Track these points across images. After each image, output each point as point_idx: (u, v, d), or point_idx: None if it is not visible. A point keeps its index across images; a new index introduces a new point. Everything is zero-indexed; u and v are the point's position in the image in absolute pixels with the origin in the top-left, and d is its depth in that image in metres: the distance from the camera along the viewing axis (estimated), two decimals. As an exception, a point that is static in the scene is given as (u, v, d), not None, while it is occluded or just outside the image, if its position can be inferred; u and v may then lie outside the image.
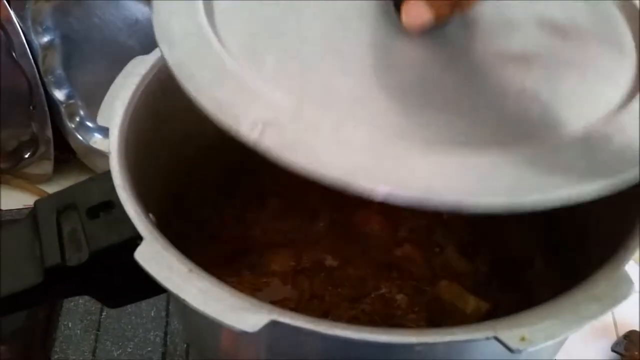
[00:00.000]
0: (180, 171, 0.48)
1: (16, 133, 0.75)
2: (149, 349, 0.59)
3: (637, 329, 0.62)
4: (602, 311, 0.29)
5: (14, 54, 0.69)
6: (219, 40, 0.34)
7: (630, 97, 0.33)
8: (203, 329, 0.40)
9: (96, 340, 0.60)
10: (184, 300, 0.30)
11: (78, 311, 0.62)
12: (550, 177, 0.29)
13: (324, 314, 0.48)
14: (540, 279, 0.51)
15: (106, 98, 0.42)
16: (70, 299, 0.63)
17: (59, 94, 0.73)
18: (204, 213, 0.54)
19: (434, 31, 0.35)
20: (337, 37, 0.35)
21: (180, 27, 0.34)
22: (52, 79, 0.73)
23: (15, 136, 0.75)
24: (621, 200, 0.33)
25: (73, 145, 0.76)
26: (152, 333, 0.60)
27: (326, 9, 0.36)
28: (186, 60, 0.32)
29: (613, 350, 0.61)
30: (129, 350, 0.59)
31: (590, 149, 0.30)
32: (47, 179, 0.78)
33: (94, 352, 0.59)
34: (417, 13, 0.34)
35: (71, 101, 0.74)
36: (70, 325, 0.61)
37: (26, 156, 0.76)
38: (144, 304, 0.61)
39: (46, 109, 0.72)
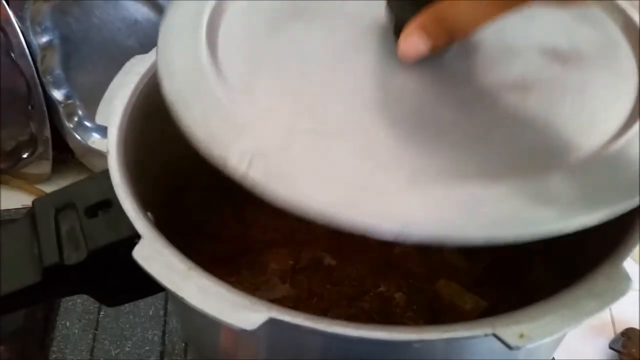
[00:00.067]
0: (178, 170, 0.48)
1: (15, 133, 0.75)
2: (147, 348, 0.59)
3: (635, 327, 0.63)
4: (601, 307, 0.30)
5: (12, 54, 0.69)
6: (218, 74, 0.34)
7: (630, 124, 0.33)
8: (202, 328, 0.40)
9: (94, 340, 0.60)
10: (182, 298, 0.30)
11: (76, 310, 0.62)
12: (541, 209, 0.29)
13: (323, 313, 0.48)
14: (539, 277, 0.51)
15: (105, 97, 0.42)
16: (68, 298, 0.63)
17: (58, 94, 0.73)
18: (203, 212, 0.54)
19: (433, 59, 0.35)
20: (335, 69, 0.36)
21: (182, 62, 0.35)
22: (51, 79, 0.73)
23: (14, 136, 0.75)
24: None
25: (71, 145, 0.76)
26: (150, 332, 0.60)
27: (327, 40, 0.37)
28: (183, 93, 0.34)
29: (611, 348, 0.62)
30: (127, 349, 0.59)
31: (586, 178, 0.30)
32: (45, 179, 0.78)
33: (92, 352, 0.59)
34: (413, 44, 0.34)
35: (70, 101, 0.74)
36: (68, 325, 0.61)
37: (24, 156, 0.76)
38: (142, 303, 0.61)
39: (45, 109, 0.73)
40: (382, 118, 0.33)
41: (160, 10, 0.71)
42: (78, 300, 0.63)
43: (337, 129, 0.32)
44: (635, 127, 0.32)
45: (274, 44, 0.37)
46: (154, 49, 0.44)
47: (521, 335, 0.28)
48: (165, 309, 0.62)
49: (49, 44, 0.71)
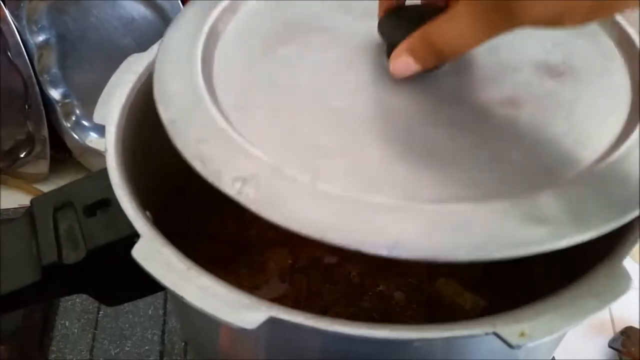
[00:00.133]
0: (177, 169, 0.48)
1: (12, 132, 0.75)
2: (147, 347, 0.59)
3: (634, 325, 0.63)
4: (601, 306, 0.29)
5: (9, 53, 0.69)
6: (213, 98, 0.35)
7: (622, 140, 0.33)
8: (201, 327, 0.40)
9: (93, 339, 0.60)
10: (182, 297, 0.30)
11: (75, 310, 0.62)
12: (530, 228, 0.29)
13: (322, 312, 0.48)
14: (538, 277, 0.51)
15: (102, 96, 0.42)
16: (67, 298, 0.63)
17: (55, 93, 0.73)
18: (202, 211, 0.54)
19: (426, 76, 0.35)
20: (328, 89, 0.36)
21: (177, 87, 0.36)
22: (48, 78, 0.73)
23: (11, 135, 0.75)
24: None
25: (69, 144, 0.76)
26: (149, 331, 0.60)
27: (321, 60, 0.38)
28: (178, 118, 0.34)
29: (610, 347, 0.62)
30: (127, 349, 0.59)
31: (576, 196, 0.30)
32: (43, 178, 0.78)
33: (91, 351, 0.59)
34: (402, 66, 0.34)
35: (67, 100, 0.74)
36: (67, 325, 0.61)
37: (22, 155, 0.76)
38: (141, 302, 0.61)
39: (42, 108, 0.72)
40: (374, 137, 0.34)
41: (156, 9, 0.71)
42: (77, 300, 0.63)
43: (329, 148, 0.33)
44: (627, 143, 0.33)
45: (268, 65, 0.38)
46: (151, 48, 0.44)
47: (522, 334, 0.28)
48: (165, 308, 0.62)
49: (46, 43, 0.71)
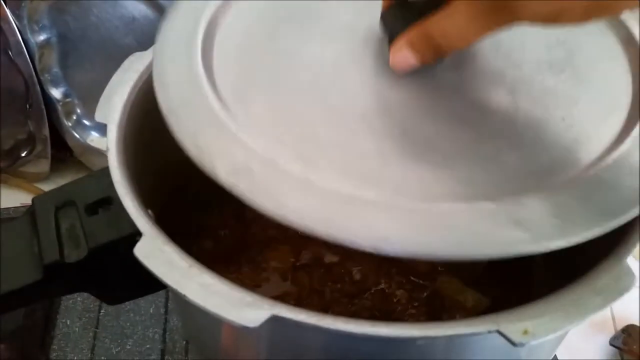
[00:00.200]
0: (178, 167, 0.48)
1: (13, 132, 0.75)
2: (148, 346, 0.59)
3: (635, 323, 0.63)
4: (605, 304, 0.29)
5: (10, 52, 0.69)
6: (212, 86, 0.35)
7: (618, 142, 0.33)
8: (203, 325, 0.40)
9: (95, 338, 0.60)
10: (184, 295, 0.30)
11: (76, 309, 0.62)
12: (515, 230, 0.29)
13: (324, 310, 0.48)
14: (539, 274, 0.51)
15: (104, 95, 0.42)
16: (68, 296, 0.63)
17: (56, 93, 0.73)
18: (203, 209, 0.54)
19: (427, 70, 0.35)
20: (328, 81, 0.36)
21: (176, 74, 0.36)
22: (49, 78, 0.73)
23: (12, 135, 0.75)
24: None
25: (70, 143, 0.76)
26: (151, 330, 0.60)
27: (321, 51, 0.38)
28: (177, 106, 0.35)
29: (611, 345, 0.62)
30: (128, 347, 0.59)
31: (564, 200, 0.30)
32: (44, 178, 0.78)
33: (92, 350, 0.59)
34: (402, 59, 0.35)
35: (68, 99, 0.74)
36: (68, 323, 0.61)
37: (23, 155, 0.76)
38: (142, 301, 0.61)
39: (43, 107, 0.72)
40: (371, 131, 0.34)
41: (157, 8, 0.71)
42: (78, 299, 0.63)
43: (325, 141, 0.33)
44: (622, 147, 0.33)
45: (269, 54, 0.38)
46: (153, 47, 0.44)
47: (525, 332, 0.28)
48: (166, 307, 0.62)
49: (47, 42, 0.71)
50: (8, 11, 0.68)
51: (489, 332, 0.29)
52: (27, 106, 0.72)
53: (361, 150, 0.33)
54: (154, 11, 0.71)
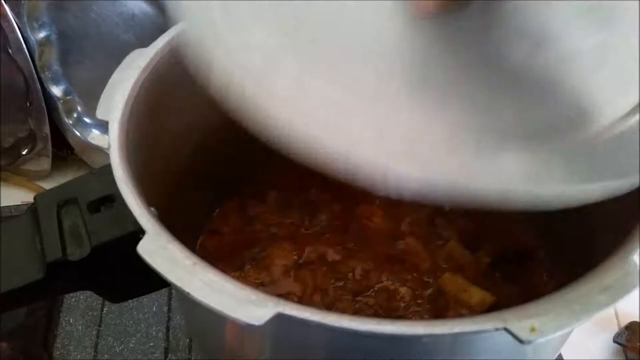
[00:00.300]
0: (180, 165, 0.48)
1: (13, 130, 0.74)
2: (151, 344, 0.59)
3: (639, 320, 0.62)
4: (612, 301, 0.29)
5: (10, 50, 0.69)
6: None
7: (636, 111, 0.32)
8: (207, 323, 0.40)
9: (98, 336, 0.60)
10: (188, 293, 0.30)
11: (79, 307, 0.62)
12: (542, 180, 0.29)
13: (328, 308, 0.48)
14: (543, 271, 0.51)
15: (105, 91, 0.42)
16: (71, 295, 0.62)
17: (56, 90, 0.73)
18: (205, 207, 0.54)
19: (451, 13, 0.34)
20: (348, 20, 0.35)
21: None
22: (49, 75, 0.72)
23: (13, 133, 0.75)
24: (628, 195, 0.32)
25: (71, 141, 0.76)
26: (154, 328, 0.60)
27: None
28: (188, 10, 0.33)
29: (615, 342, 0.61)
30: (131, 345, 0.59)
31: (588, 154, 0.30)
32: (45, 176, 0.78)
33: (95, 348, 0.59)
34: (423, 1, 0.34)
35: (68, 97, 0.74)
36: (71, 321, 0.61)
37: (24, 153, 0.76)
38: (145, 299, 0.61)
39: (43, 105, 0.72)
40: (386, 71, 0.33)
41: (157, 5, 0.70)
42: (81, 297, 0.63)
43: (336, 70, 0.32)
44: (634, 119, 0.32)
45: None
46: (153, 43, 0.44)
47: (532, 329, 0.28)
48: (169, 305, 0.62)
49: (47, 39, 0.71)
50: (8, 9, 0.67)
51: (496, 329, 0.28)
52: (28, 104, 0.72)
53: (375, 88, 0.32)
54: (153, 8, 0.71)
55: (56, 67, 0.73)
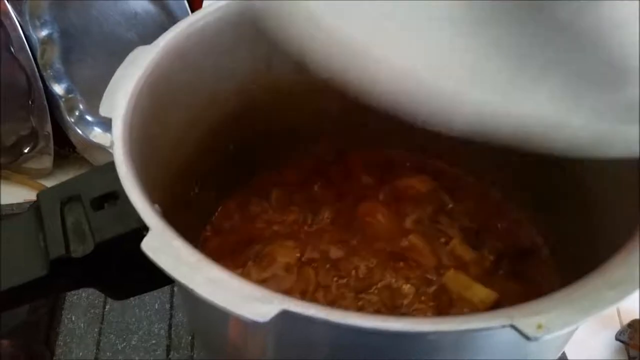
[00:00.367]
0: (183, 162, 0.48)
1: (15, 128, 0.75)
2: (154, 341, 0.59)
3: (642, 318, 0.62)
4: (620, 297, 0.29)
5: (12, 48, 0.69)
6: None
7: None
8: (210, 320, 0.40)
9: (100, 334, 0.60)
10: (192, 290, 0.30)
11: (81, 305, 0.62)
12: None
13: (330, 305, 0.48)
14: (547, 268, 0.51)
15: (108, 88, 0.42)
16: (73, 292, 0.63)
17: (58, 88, 0.73)
18: (207, 205, 0.54)
19: None
20: None
21: None
22: (51, 73, 0.72)
23: (15, 131, 0.75)
24: (631, 192, 0.32)
25: (73, 139, 0.76)
26: (156, 326, 0.60)
27: None
28: None
29: (617, 339, 0.61)
30: (133, 343, 0.59)
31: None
32: (47, 174, 0.78)
33: (98, 346, 0.59)
34: None
35: (70, 95, 0.74)
36: (73, 319, 0.61)
37: (26, 151, 0.76)
38: (147, 297, 0.61)
39: (45, 103, 0.72)
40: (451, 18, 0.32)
41: (160, 3, 0.70)
42: (83, 295, 0.63)
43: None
44: None
45: None
46: (157, 40, 0.44)
47: (539, 326, 0.28)
48: (171, 302, 0.62)
49: (49, 37, 0.71)
50: (10, 7, 0.67)
51: (503, 326, 0.28)
52: (30, 102, 0.72)
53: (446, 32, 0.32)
54: (155, 6, 0.71)
55: (58, 65, 0.73)
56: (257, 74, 0.52)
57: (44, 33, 0.70)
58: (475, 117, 0.28)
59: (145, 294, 0.44)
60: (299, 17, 0.31)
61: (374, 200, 0.55)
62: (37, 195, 0.40)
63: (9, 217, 0.67)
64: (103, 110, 0.40)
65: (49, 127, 0.74)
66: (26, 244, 0.38)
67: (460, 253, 0.51)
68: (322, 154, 0.58)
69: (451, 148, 0.57)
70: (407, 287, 0.48)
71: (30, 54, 0.69)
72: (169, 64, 0.44)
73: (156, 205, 0.35)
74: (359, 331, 0.30)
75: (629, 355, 0.61)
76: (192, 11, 0.68)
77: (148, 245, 0.32)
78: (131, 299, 0.46)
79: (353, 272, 0.50)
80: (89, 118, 0.75)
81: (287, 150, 0.56)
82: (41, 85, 0.71)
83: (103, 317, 0.61)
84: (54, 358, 0.58)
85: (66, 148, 0.78)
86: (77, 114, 0.75)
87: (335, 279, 0.50)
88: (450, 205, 0.55)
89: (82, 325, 0.61)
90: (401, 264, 0.50)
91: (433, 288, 0.49)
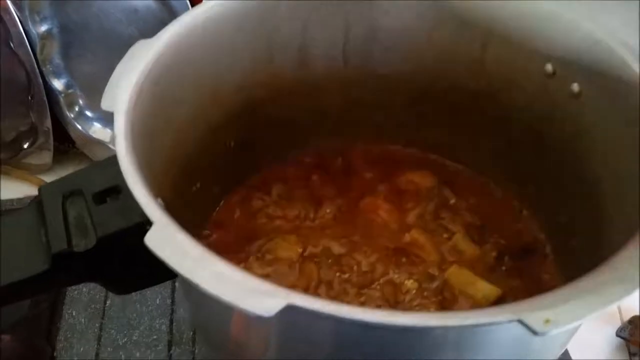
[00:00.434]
0: (184, 156, 0.48)
1: (15, 123, 0.74)
2: (155, 337, 0.59)
3: (642, 314, 0.62)
4: (628, 292, 0.29)
5: (11, 43, 0.69)
6: None
7: None
8: (213, 315, 0.40)
9: (101, 329, 0.60)
10: (196, 284, 0.29)
11: (82, 300, 0.62)
12: None
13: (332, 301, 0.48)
14: (549, 265, 0.51)
15: (110, 82, 0.41)
16: (74, 287, 0.62)
17: (58, 84, 0.73)
18: (209, 199, 0.54)
19: None
20: None
21: None
22: (51, 69, 0.72)
23: (14, 127, 0.75)
24: (634, 187, 0.32)
25: (72, 135, 0.76)
26: (157, 321, 0.60)
27: None
28: None
29: (618, 336, 0.61)
30: (135, 338, 0.59)
31: None
32: (46, 169, 0.78)
33: (99, 341, 0.59)
34: None
35: (70, 91, 0.74)
36: (74, 314, 0.61)
37: (25, 146, 0.76)
38: (148, 292, 0.61)
39: (45, 99, 0.72)
40: None
41: (160, -1, 0.70)
42: (84, 290, 0.63)
43: None
44: None
45: None
46: (158, 34, 0.44)
47: (547, 321, 0.27)
48: (173, 297, 0.62)
49: (48, 33, 0.71)
50: (9, 2, 0.67)
51: (510, 321, 0.28)
52: (29, 98, 0.72)
53: None
54: (156, 2, 0.71)
55: (58, 60, 0.72)
56: (258, 69, 0.52)
57: (43, 28, 0.70)
58: None
59: (146, 289, 0.44)
60: None
61: (376, 195, 0.55)
62: (39, 190, 0.40)
63: (11, 212, 0.67)
64: (105, 104, 0.40)
65: (48, 123, 0.73)
66: (28, 238, 0.38)
67: (462, 248, 0.51)
68: (323, 149, 0.58)
69: (452, 143, 0.56)
70: (409, 283, 0.48)
71: (30, 50, 0.69)
72: (170, 59, 0.44)
73: (159, 199, 0.35)
74: (364, 326, 0.29)
75: (629, 352, 0.61)
76: (193, 7, 0.68)
77: (151, 239, 0.31)
78: (132, 294, 0.46)
79: (355, 268, 0.50)
80: (88, 113, 0.75)
81: (288, 145, 0.56)
82: (41, 80, 0.71)
83: (104, 312, 0.61)
84: (55, 353, 0.58)
85: (66, 143, 0.78)
86: (76, 109, 0.75)
87: (337, 274, 0.49)
88: (453, 201, 0.55)
89: (83, 320, 0.60)
90: (403, 259, 0.50)
91: (436, 284, 0.48)
